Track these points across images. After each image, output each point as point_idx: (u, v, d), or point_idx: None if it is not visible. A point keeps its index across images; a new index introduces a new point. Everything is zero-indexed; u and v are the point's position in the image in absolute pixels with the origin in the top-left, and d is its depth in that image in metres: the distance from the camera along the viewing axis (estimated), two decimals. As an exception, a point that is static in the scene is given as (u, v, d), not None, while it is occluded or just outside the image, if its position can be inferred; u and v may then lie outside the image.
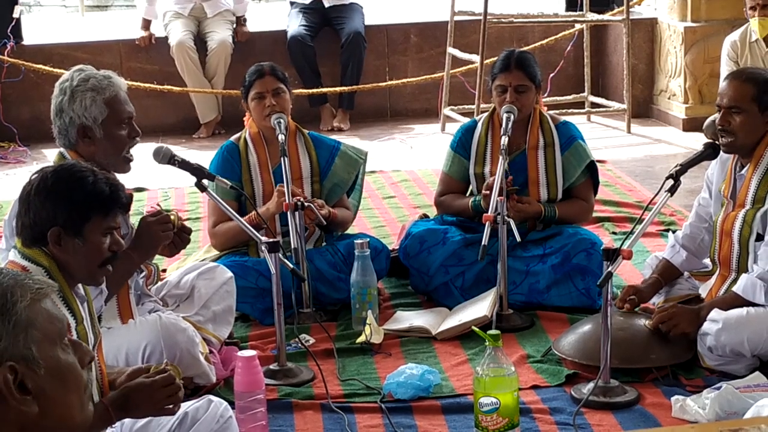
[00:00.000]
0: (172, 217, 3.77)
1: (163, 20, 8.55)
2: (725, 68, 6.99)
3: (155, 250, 3.77)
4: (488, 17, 7.77)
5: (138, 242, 3.69)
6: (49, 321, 1.73)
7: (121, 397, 2.68)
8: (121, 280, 3.64)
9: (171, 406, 2.71)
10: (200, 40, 8.46)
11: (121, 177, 3.63)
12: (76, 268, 2.75)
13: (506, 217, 4.26)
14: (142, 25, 8.60)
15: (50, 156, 7.46)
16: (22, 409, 1.67)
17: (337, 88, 8.48)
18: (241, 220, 4.05)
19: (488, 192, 4.43)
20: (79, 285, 2.80)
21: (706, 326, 3.80)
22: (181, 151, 7.27)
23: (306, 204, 4.40)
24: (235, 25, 8.58)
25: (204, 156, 6.56)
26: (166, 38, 8.50)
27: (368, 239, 4.53)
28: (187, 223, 3.95)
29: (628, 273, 4.81)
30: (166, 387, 2.68)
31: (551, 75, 8.63)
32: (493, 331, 3.26)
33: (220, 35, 8.36)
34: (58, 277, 2.70)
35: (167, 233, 3.72)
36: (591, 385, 3.65)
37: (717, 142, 4.01)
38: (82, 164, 2.89)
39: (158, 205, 3.93)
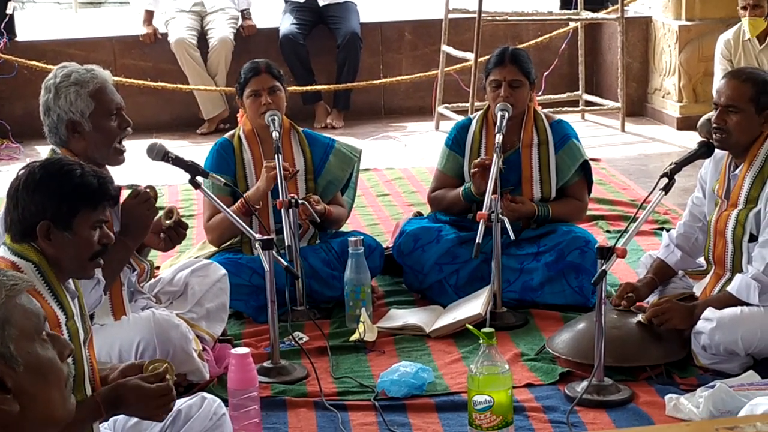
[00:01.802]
0: (149, 191, 3.71)
1: (165, 17, 8.52)
2: (719, 67, 7.01)
3: (146, 230, 3.72)
4: (483, 15, 7.77)
5: (126, 226, 3.65)
6: (25, 317, 1.71)
7: (114, 394, 2.67)
8: (117, 268, 3.62)
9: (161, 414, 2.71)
10: (203, 37, 8.44)
11: (114, 173, 3.62)
12: (67, 261, 2.73)
13: (500, 215, 4.26)
14: (145, 18, 8.55)
15: (43, 153, 7.44)
16: (3, 408, 1.65)
17: (331, 86, 8.47)
18: (235, 216, 4.04)
19: (476, 170, 4.44)
20: (70, 280, 2.79)
21: (700, 325, 3.80)
22: (177, 148, 7.25)
23: (301, 201, 4.40)
24: (240, 20, 8.56)
25: (200, 153, 6.54)
26: (163, 35, 8.48)
27: (362, 237, 4.53)
28: (181, 218, 3.93)
29: (623, 271, 4.81)
30: (161, 396, 2.67)
31: (546, 73, 8.63)
32: (487, 329, 3.26)
33: (220, 32, 8.34)
34: (48, 272, 2.69)
35: (152, 210, 3.69)
36: (585, 383, 3.65)
37: (711, 140, 4.01)
38: (69, 158, 2.89)
39: (129, 186, 3.86)
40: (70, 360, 1.82)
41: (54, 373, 1.71)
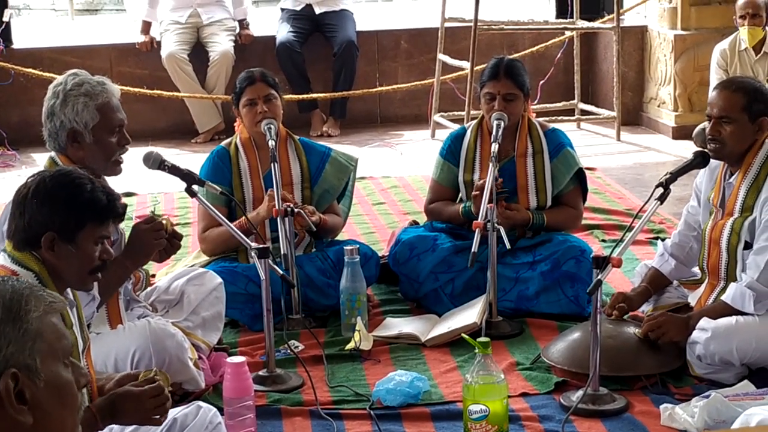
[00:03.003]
0: (164, 222, 3.76)
1: (159, 28, 8.52)
2: (715, 76, 7.03)
3: (148, 257, 3.76)
4: (479, 24, 7.78)
5: (131, 249, 3.67)
6: (56, 336, 1.73)
7: (109, 403, 2.68)
8: (113, 287, 3.62)
9: (158, 417, 2.71)
10: (201, 49, 8.43)
11: (110, 180, 3.63)
12: (67, 273, 2.74)
13: (496, 225, 4.26)
14: (142, 28, 8.56)
15: (39, 160, 7.44)
16: (18, 418, 1.66)
17: (328, 94, 8.48)
18: (231, 225, 4.05)
19: (477, 193, 4.43)
20: (68, 290, 2.80)
21: (696, 335, 3.81)
22: (173, 156, 7.25)
23: (296, 210, 4.40)
24: (238, 30, 8.56)
25: (195, 161, 6.54)
26: (159, 43, 8.48)
27: (358, 245, 4.53)
28: (176, 229, 3.94)
29: (618, 281, 4.82)
30: (154, 398, 2.68)
31: (541, 82, 8.64)
32: (482, 339, 3.26)
33: (222, 46, 8.33)
34: (48, 282, 2.70)
35: (160, 241, 3.71)
36: (580, 392, 3.65)
37: (706, 150, 4.02)
38: (79, 171, 2.89)
39: (152, 212, 3.91)
40: (84, 390, 1.83)
41: (71, 397, 1.74)
